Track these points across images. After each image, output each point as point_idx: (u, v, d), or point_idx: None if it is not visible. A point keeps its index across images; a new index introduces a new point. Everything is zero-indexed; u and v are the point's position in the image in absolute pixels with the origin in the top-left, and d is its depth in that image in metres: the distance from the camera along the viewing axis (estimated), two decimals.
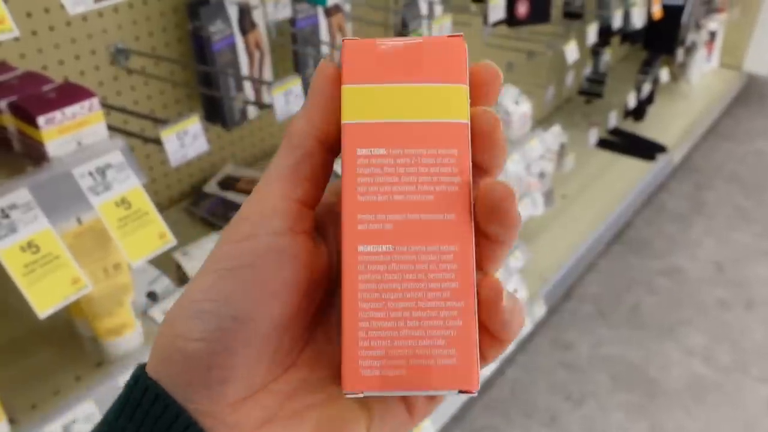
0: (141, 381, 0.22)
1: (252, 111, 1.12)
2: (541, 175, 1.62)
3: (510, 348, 1.51)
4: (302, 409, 0.23)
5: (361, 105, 0.23)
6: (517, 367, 1.57)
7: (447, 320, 0.22)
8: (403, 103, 0.23)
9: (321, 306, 0.25)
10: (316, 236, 0.25)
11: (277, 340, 0.23)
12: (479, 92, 0.23)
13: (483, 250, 0.23)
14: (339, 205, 0.24)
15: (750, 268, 1.91)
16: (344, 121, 0.23)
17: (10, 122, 0.67)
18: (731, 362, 1.60)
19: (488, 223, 0.22)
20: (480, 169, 0.23)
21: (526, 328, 1.55)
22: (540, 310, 1.59)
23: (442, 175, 0.22)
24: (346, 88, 0.23)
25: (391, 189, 0.22)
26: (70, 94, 0.67)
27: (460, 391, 0.22)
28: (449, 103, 0.23)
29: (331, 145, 0.24)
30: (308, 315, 0.24)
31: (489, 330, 0.23)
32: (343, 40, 0.24)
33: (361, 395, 0.22)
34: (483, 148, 0.23)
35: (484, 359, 0.23)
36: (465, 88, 0.23)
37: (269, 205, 0.23)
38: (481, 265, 0.23)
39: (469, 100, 0.23)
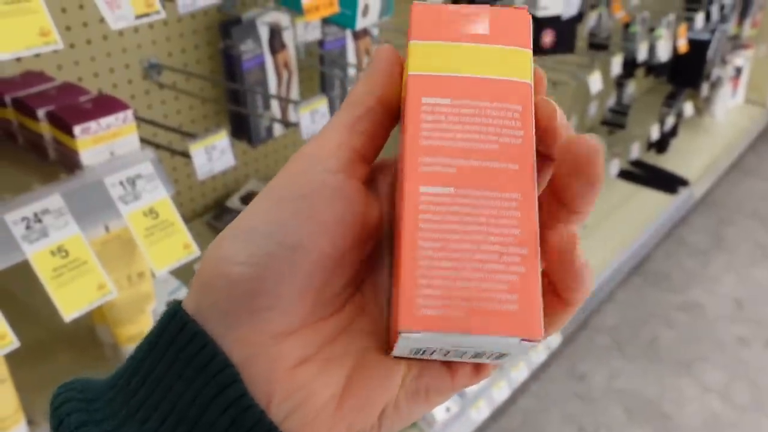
0: (178, 318, 0.22)
1: (278, 129, 1.14)
2: None
3: (523, 375, 1.50)
4: (340, 355, 0.23)
5: (428, 59, 0.23)
6: (530, 396, 1.56)
7: (509, 266, 0.21)
8: (469, 60, 0.23)
9: (370, 259, 0.24)
10: (370, 191, 0.24)
11: (324, 277, 0.22)
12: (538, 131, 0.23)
13: (555, 214, 0.22)
14: (400, 149, 0.23)
15: None
16: (410, 72, 0.23)
17: (47, 130, 0.69)
18: (749, 401, 1.58)
19: (569, 177, 0.22)
20: (543, 156, 0.23)
21: (540, 356, 1.55)
22: (555, 339, 1.58)
23: (505, 128, 0.22)
24: (413, 44, 0.23)
25: (454, 136, 0.22)
26: (106, 105, 0.69)
27: (522, 340, 0.21)
28: (513, 64, 0.23)
29: (390, 109, 0.24)
30: (356, 261, 0.24)
31: (558, 288, 0.22)
32: (413, 4, 0.24)
33: (418, 336, 0.21)
34: (545, 138, 0.23)
35: (548, 325, 0.22)
36: (529, 53, 0.23)
37: (326, 148, 0.23)
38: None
39: (532, 65, 0.23)
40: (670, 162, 2.32)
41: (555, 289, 0.22)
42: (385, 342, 0.23)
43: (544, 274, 0.22)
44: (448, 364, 0.24)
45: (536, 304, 0.21)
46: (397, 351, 0.22)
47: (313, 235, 0.22)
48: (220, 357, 0.21)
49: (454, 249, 0.21)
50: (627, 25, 1.85)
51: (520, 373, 1.49)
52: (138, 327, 0.78)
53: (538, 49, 1.45)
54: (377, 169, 0.26)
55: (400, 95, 0.24)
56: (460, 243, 0.21)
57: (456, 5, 0.24)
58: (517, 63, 0.23)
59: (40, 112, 0.69)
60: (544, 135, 0.23)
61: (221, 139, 0.78)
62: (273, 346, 0.21)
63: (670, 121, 2.27)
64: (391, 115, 0.24)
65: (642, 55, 1.84)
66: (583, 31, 1.73)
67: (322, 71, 1.16)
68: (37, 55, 0.89)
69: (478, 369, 0.24)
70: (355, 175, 0.24)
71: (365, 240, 0.24)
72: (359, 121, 0.24)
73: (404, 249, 0.21)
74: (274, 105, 1.12)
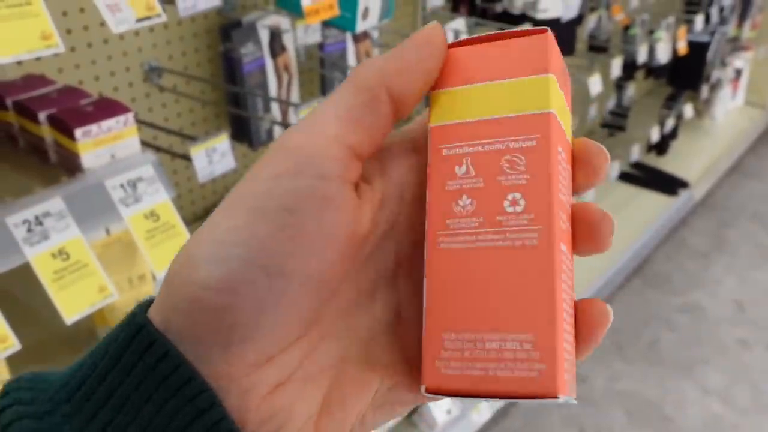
0: (145, 332, 0.19)
1: (278, 131, 1.14)
2: None
3: None
4: (316, 372, 0.21)
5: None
6: None
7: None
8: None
9: (352, 267, 0.22)
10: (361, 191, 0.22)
11: (306, 301, 0.20)
12: (586, 169, 0.23)
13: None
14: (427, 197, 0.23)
15: None
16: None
17: (48, 133, 0.70)
18: (750, 403, 1.57)
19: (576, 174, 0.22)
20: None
21: None
22: None
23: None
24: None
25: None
26: (107, 108, 0.69)
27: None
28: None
29: (401, 103, 0.22)
30: (340, 276, 0.21)
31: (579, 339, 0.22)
32: None
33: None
34: (586, 176, 0.23)
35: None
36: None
37: (321, 142, 0.20)
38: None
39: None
40: (670, 164, 2.32)
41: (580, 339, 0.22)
42: (413, 368, 0.23)
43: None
44: (415, 376, 0.22)
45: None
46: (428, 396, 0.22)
47: (298, 258, 0.19)
48: (196, 380, 0.18)
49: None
50: (626, 28, 1.86)
51: None
52: None
53: None
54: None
55: (420, 92, 0.23)
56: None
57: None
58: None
59: (42, 115, 0.69)
60: (585, 175, 0.23)
61: (222, 142, 0.78)
62: (246, 377, 0.19)
63: (670, 123, 2.27)
64: (399, 110, 0.22)
65: (642, 57, 1.84)
66: (583, 33, 1.73)
67: (323, 74, 1.16)
68: (38, 59, 0.89)
69: None
70: (349, 180, 0.21)
71: (352, 254, 0.21)
72: (362, 112, 0.21)
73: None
74: (275, 108, 1.12)
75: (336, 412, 0.21)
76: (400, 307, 0.23)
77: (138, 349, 0.19)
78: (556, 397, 0.20)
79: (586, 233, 0.22)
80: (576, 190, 0.23)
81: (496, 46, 0.23)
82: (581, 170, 0.23)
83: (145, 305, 0.20)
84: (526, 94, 0.22)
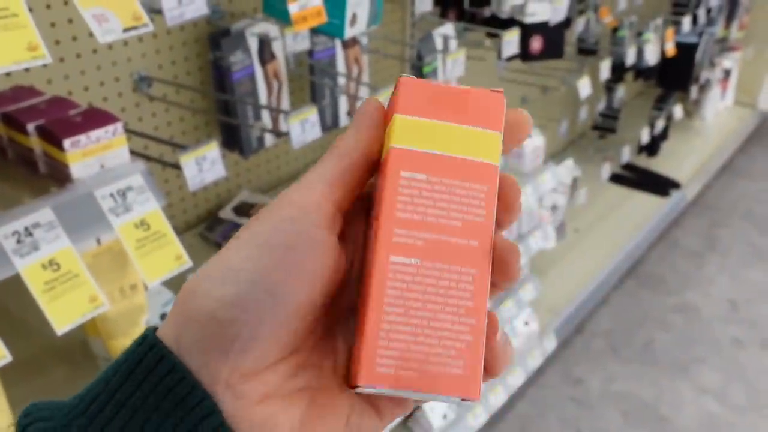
0: (156, 350, 0.23)
1: (269, 139, 1.14)
2: (554, 208, 1.63)
3: (520, 381, 1.50)
4: (298, 390, 0.24)
5: (410, 134, 0.26)
6: (527, 402, 1.56)
7: (459, 333, 0.24)
8: (446, 139, 0.26)
9: (330, 302, 0.26)
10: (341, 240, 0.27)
11: (296, 323, 0.24)
12: (512, 134, 0.27)
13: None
14: (375, 211, 0.26)
15: (765, 306, 1.89)
16: (393, 144, 0.25)
17: (37, 144, 0.69)
18: (745, 402, 1.58)
19: (494, 273, 0.25)
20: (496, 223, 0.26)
21: (537, 361, 1.55)
22: (551, 343, 1.58)
23: (471, 206, 0.25)
24: (398, 117, 0.26)
25: (425, 210, 0.25)
26: (95, 118, 0.69)
27: (463, 399, 0.24)
28: (485, 146, 0.26)
29: (371, 163, 0.26)
30: (323, 306, 0.25)
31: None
32: (399, 77, 0.27)
33: (373, 391, 0.24)
34: (504, 209, 0.26)
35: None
36: (499, 136, 0.26)
37: (313, 199, 0.25)
38: None
39: (501, 147, 0.26)
40: (661, 165, 2.34)
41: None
42: (345, 378, 0.26)
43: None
44: (375, 407, 0.26)
45: (478, 369, 0.24)
46: (358, 390, 0.24)
47: (295, 286, 0.23)
48: (198, 390, 0.22)
49: (414, 315, 0.24)
50: (615, 30, 1.87)
51: (516, 378, 1.49)
52: (131, 339, 0.77)
53: (527, 56, 1.46)
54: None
55: (382, 148, 0.27)
56: (419, 311, 0.24)
57: (440, 84, 0.27)
58: (488, 145, 0.26)
59: (30, 126, 0.69)
60: (503, 208, 0.26)
61: (212, 150, 0.79)
62: (240, 384, 0.23)
63: (660, 124, 2.28)
64: (370, 168, 0.27)
65: (630, 59, 1.85)
66: (572, 36, 1.74)
67: (312, 81, 1.16)
68: (27, 70, 0.89)
69: (400, 405, 0.27)
70: (335, 229, 0.25)
71: (336, 289, 0.26)
72: (343, 175, 0.26)
73: (370, 311, 0.24)
74: (265, 115, 1.12)
75: (317, 426, 0.24)
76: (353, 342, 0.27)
77: (148, 365, 0.22)
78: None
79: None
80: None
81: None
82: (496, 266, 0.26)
83: (153, 329, 0.24)
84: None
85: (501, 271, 0.25)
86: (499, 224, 0.26)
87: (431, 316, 0.24)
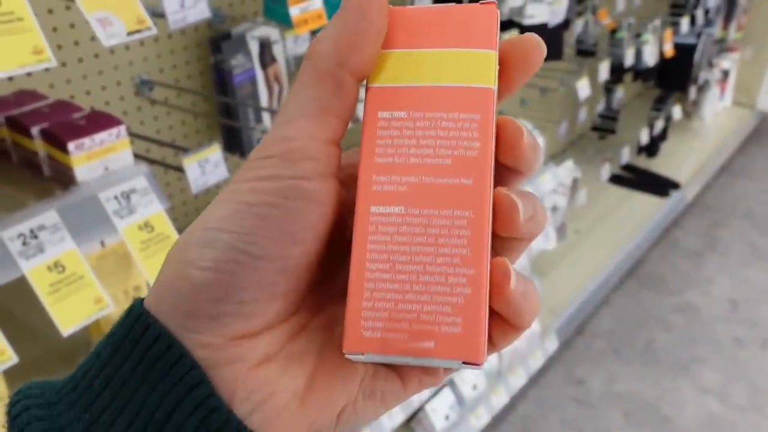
0: (141, 319, 0.21)
1: None
2: (554, 209, 1.63)
3: (522, 382, 1.50)
4: (301, 353, 0.22)
5: (387, 69, 0.23)
6: (528, 403, 1.56)
7: (455, 287, 0.21)
8: (429, 68, 0.22)
9: (338, 250, 0.24)
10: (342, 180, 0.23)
11: (290, 283, 0.22)
12: (521, 62, 0.23)
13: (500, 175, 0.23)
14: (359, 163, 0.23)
15: (765, 306, 1.89)
16: (368, 84, 0.23)
17: (41, 147, 0.70)
18: (747, 401, 1.58)
19: (501, 156, 0.22)
20: (511, 170, 0.23)
21: (538, 362, 1.55)
22: (552, 344, 1.59)
23: (462, 140, 0.22)
24: None
25: (408, 152, 0.22)
26: (99, 122, 0.70)
27: (464, 363, 0.21)
28: (476, 69, 0.22)
29: (361, 77, 0.22)
30: (325, 262, 0.23)
31: (498, 313, 0.22)
32: None
33: (361, 357, 0.21)
34: (511, 155, 0.23)
35: (492, 345, 0.22)
36: (492, 54, 0.22)
37: (295, 146, 0.22)
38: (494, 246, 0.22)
39: (497, 67, 0.23)
40: (660, 165, 2.34)
41: (497, 313, 0.22)
42: (340, 345, 0.23)
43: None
44: (398, 371, 0.23)
45: (479, 326, 0.21)
46: (348, 356, 0.22)
47: (281, 247, 0.21)
48: (186, 359, 0.20)
49: (401, 271, 0.21)
50: (613, 31, 1.88)
51: (518, 379, 1.49)
52: None
53: None
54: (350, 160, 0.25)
55: (376, 56, 0.23)
56: (407, 264, 0.21)
57: (420, 7, 0.23)
58: (479, 67, 0.22)
59: (34, 130, 0.70)
60: (509, 154, 0.23)
61: (214, 153, 0.79)
62: (232, 348, 0.21)
63: (659, 124, 2.29)
64: (360, 80, 0.23)
65: (629, 60, 1.86)
66: (570, 38, 1.75)
67: None
68: (29, 74, 0.89)
69: (429, 373, 0.24)
70: (330, 171, 0.22)
71: (336, 240, 0.23)
72: (329, 102, 0.22)
73: (353, 271, 0.21)
74: (266, 118, 1.13)
75: (322, 393, 0.22)
76: None
77: (135, 335, 0.21)
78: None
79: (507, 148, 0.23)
80: (510, 87, 0.24)
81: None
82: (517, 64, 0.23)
83: (141, 300, 0.22)
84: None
85: (501, 224, 0.22)
86: (506, 172, 0.23)
87: (421, 269, 0.21)
